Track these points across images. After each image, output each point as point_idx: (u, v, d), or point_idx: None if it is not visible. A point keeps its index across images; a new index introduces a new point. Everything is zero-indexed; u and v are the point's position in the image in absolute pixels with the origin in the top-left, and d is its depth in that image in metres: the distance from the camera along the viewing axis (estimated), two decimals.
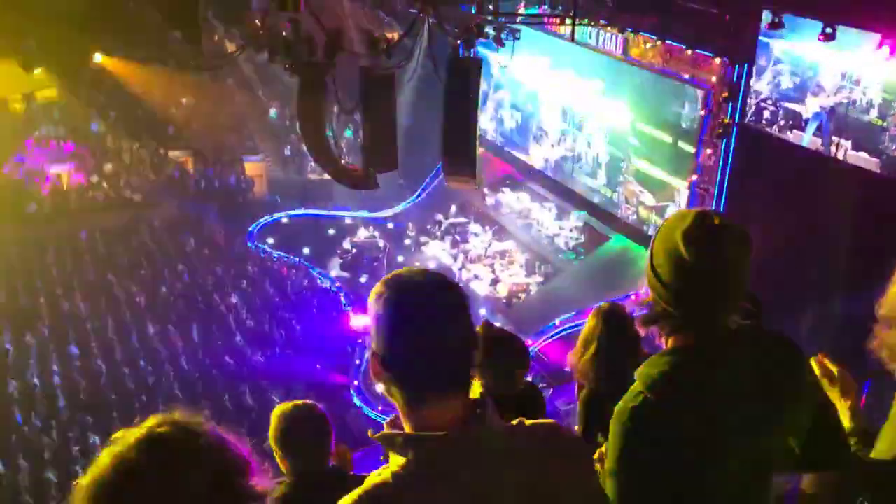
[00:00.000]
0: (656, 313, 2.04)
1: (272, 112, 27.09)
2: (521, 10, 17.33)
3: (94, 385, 16.35)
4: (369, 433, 1.73)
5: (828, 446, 2.14)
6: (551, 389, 13.27)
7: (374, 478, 1.68)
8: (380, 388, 1.73)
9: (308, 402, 3.54)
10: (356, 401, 16.23)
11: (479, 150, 13.11)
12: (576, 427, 3.77)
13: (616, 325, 3.04)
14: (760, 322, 2.15)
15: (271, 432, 3.37)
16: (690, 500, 1.97)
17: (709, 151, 15.34)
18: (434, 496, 1.64)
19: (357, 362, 17.33)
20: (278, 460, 3.38)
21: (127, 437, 1.45)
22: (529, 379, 4.03)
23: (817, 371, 2.39)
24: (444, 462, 1.65)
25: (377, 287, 1.72)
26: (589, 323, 3.10)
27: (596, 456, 2.31)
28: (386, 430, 1.71)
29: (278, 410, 3.44)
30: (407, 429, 1.71)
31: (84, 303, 19.20)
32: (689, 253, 1.93)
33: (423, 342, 1.65)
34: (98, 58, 23.14)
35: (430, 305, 1.66)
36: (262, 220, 22.98)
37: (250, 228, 22.59)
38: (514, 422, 1.78)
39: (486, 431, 1.70)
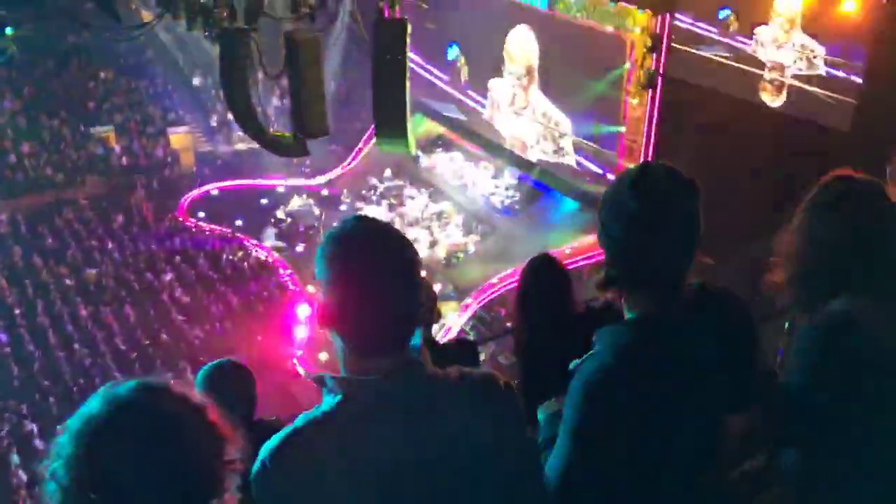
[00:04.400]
0: (611, 276, 1.99)
1: (195, 81, 26.35)
2: None
3: (28, 371, 15.92)
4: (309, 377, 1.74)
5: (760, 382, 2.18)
6: (493, 344, 13.41)
7: (305, 415, 1.71)
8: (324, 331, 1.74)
9: (232, 358, 3.61)
10: (300, 370, 16.17)
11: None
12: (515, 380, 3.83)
13: (545, 273, 3.08)
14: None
15: (197, 386, 3.37)
16: (645, 464, 1.98)
17: (634, 102, 15.49)
18: (361, 436, 1.66)
19: (299, 334, 17.23)
20: None
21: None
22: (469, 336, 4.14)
23: None
24: (374, 404, 1.67)
25: (325, 241, 1.71)
26: (521, 276, 3.14)
27: (556, 409, 2.28)
28: (322, 373, 1.74)
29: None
30: (344, 372, 1.74)
31: (10, 288, 18.59)
32: (635, 203, 1.89)
33: (367, 305, 1.67)
34: (8, 31, 22.13)
35: (374, 266, 1.67)
36: (191, 193, 22.46)
37: (180, 202, 22.07)
38: (451, 370, 1.80)
39: (420, 378, 1.72)
